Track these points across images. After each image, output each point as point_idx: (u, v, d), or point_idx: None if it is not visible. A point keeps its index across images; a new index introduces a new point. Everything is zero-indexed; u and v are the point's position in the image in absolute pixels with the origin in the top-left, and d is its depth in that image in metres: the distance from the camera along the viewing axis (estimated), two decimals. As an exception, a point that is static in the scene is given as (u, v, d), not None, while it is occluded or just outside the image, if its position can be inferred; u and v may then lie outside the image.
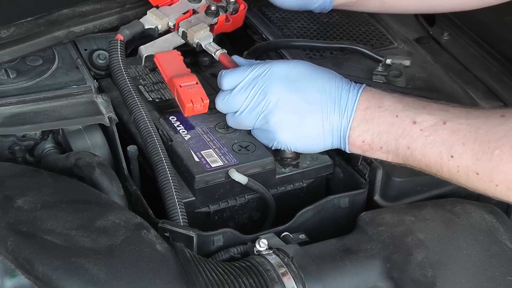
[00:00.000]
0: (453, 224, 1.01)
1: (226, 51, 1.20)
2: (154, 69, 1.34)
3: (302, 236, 1.02)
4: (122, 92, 1.15)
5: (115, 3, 1.32)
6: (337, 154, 1.16)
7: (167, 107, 1.22)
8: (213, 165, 1.08)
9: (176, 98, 1.14)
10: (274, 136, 1.08)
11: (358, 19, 1.45)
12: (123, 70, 1.15)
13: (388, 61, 1.29)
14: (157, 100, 1.24)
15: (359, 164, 1.14)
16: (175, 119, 1.19)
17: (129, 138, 1.22)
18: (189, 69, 1.17)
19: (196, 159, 1.10)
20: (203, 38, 1.22)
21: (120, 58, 1.16)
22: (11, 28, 1.23)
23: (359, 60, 1.33)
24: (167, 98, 1.25)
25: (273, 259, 0.94)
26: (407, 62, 1.29)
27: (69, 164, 1.09)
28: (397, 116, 1.02)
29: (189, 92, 1.12)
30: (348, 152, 1.09)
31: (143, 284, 0.86)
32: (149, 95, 1.26)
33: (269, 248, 0.96)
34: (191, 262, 0.91)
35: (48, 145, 1.21)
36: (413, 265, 0.95)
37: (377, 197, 1.12)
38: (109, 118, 1.15)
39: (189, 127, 1.17)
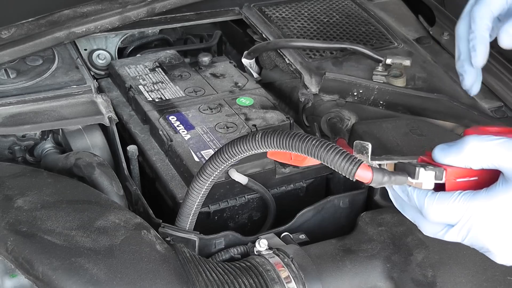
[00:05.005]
0: (453, 224, 1.01)
1: None
2: (154, 69, 1.34)
3: (302, 236, 1.02)
4: None
5: (116, 3, 1.32)
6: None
7: (167, 107, 1.22)
8: (213, 165, 1.08)
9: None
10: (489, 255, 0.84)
11: (358, 19, 1.45)
12: None
13: (388, 61, 1.29)
14: (157, 100, 1.24)
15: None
16: (175, 119, 1.19)
17: (129, 138, 1.22)
18: None
19: (196, 159, 1.10)
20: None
21: None
22: (12, 29, 1.23)
23: (359, 60, 1.33)
24: (167, 98, 1.25)
25: (273, 259, 0.94)
26: (407, 62, 1.29)
27: (69, 164, 1.09)
28: None
29: None
30: None
31: (143, 284, 0.86)
32: (149, 95, 1.26)
33: (269, 248, 0.96)
34: (191, 262, 0.91)
35: (48, 145, 1.21)
36: (413, 265, 0.95)
37: (377, 197, 1.11)
38: (109, 118, 1.15)
39: (189, 127, 1.17)
